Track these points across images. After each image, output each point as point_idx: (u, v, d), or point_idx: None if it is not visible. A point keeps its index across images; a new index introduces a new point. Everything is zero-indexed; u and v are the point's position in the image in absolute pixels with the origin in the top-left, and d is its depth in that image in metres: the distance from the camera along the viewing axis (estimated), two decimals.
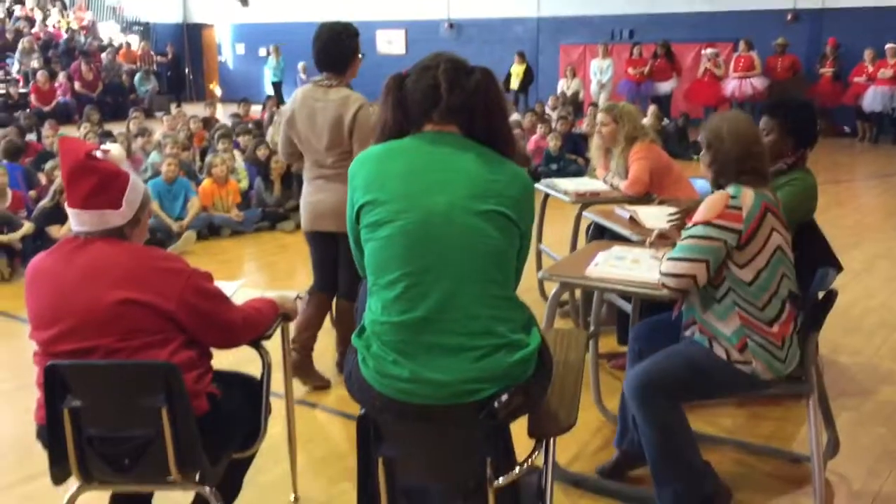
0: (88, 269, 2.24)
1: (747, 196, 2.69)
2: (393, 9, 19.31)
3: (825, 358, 4.11)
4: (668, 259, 2.77)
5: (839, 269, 3.76)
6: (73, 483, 2.32)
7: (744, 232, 2.66)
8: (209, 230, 7.17)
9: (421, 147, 2.04)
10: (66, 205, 2.36)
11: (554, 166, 9.90)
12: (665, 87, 14.81)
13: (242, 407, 2.54)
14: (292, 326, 3.53)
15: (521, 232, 2.03)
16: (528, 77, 15.94)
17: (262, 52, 19.96)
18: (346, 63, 3.80)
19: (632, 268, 3.01)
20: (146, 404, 2.19)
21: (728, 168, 2.78)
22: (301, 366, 3.95)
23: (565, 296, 4.84)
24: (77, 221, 2.31)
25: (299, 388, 3.88)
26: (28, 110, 14.38)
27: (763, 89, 14.02)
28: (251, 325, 2.51)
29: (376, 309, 1.99)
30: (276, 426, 2.88)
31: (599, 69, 15.26)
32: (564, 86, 15.43)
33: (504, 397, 1.89)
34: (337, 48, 3.79)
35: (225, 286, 2.86)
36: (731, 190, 2.72)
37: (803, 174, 3.48)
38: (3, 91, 16.70)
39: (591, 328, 3.69)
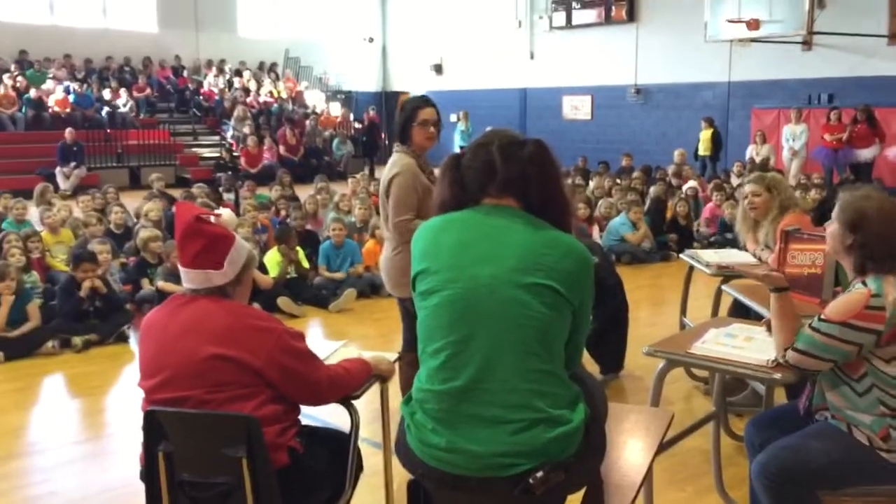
0: (188, 324, 2.43)
1: (890, 292, 2.50)
2: (579, 74, 19.49)
3: None
4: (793, 350, 2.61)
5: None
6: None
7: (885, 332, 2.49)
8: (371, 289, 7.47)
9: (476, 219, 2.08)
10: (178, 264, 2.59)
11: (730, 235, 9.50)
12: (866, 153, 13.82)
13: (329, 463, 2.62)
14: (398, 388, 3.60)
15: (574, 307, 2.00)
16: (717, 143, 15.51)
17: (453, 117, 20.72)
18: (402, 132, 3.94)
19: (742, 346, 2.86)
20: (229, 454, 2.32)
21: (879, 252, 2.59)
22: None
23: (706, 373, 4.64)
24: (185, 279, 2.52)
25: None
26: (232, 172, 15.69)
27: None
28: (338, 385, 2.61)
29: (422, 377, 2.03)
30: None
31: (792, 135, 14.55)
32: (753, 152, 14.82)
33: (539, 474, 1.85)
34: (397, 118, 4.01)
35: (326, 346, 3.01)
36: (872, 286, 2.54)
37: None
38: (217, 154, 18.36)
39: (713, 408, 3.49)
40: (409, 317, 3.94)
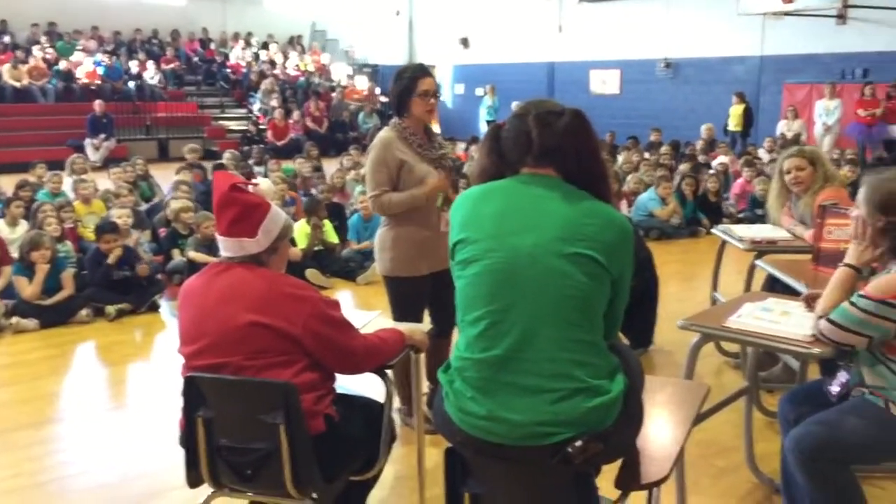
0: (226, 291, 2.45)
1: None
2: (607, 48, 19.26)
3: None
4: (829, 321, 2.59)
5: None
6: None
7: None
8: None
9: (516, 188, 2.07)
10: (216, 233, 2.61)
11: (760, 211, 9.42)
12: None
13: (363, 431, 2.65)
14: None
15: (614, 277, 2.00)
16: (748, 118, 15.30)
17: (479, 91, 20.61)
18: (399, 104, 3.74)
19: (778, 321, 2.83)
20: (266, 420, 2.34)
21: None
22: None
23: (736, 347, 4.62)
24: (222, 247, 2.54)
25: None
26: (263, 145, 15.78)
27: None
28: (373, 354, 2.62)
29: (461, 345, 2.04)
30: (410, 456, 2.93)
31: (825, 110, 14.33)
32: (785, 127, 14.62)
33: (578, 443, 1.86)
34: (392, 89, 3.78)
35: (361, 316, 3.03)
36: None
37: None
38: (244, 127, 18.40)
39: (746, 383, 3.48)
40: (389, 292, 3.85)
